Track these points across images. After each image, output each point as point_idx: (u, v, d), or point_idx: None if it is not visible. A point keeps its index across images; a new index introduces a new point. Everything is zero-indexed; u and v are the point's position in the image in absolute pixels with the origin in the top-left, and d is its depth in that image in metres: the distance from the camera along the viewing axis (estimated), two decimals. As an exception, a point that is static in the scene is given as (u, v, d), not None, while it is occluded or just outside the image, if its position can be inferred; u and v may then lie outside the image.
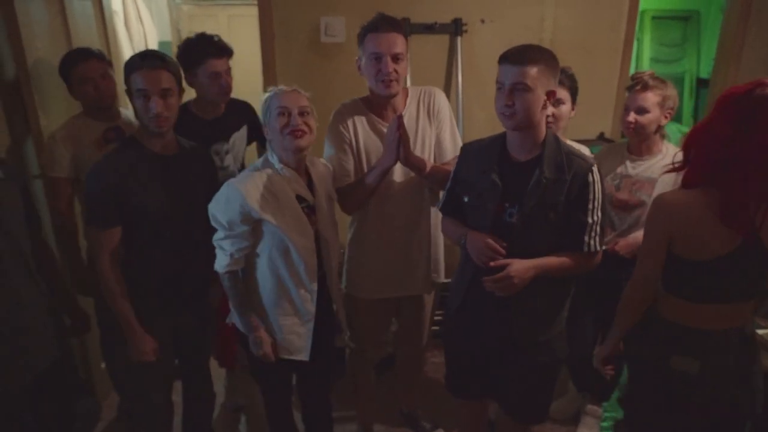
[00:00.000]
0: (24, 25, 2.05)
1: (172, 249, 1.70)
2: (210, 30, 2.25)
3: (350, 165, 1.88)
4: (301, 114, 1.60)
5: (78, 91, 2.04)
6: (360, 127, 1.87)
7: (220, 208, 1.61)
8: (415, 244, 1.97)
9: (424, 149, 1.91)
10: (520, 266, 1.47)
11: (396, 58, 1.77)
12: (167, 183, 1.66)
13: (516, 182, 1.51)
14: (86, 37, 2.47)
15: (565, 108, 1.96)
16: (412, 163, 1.79)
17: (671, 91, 2.01)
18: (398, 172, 1.89)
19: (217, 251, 1.64)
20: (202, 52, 2.07)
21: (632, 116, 2.02)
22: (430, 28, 2.84)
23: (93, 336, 2.39)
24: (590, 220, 1.50)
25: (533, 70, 1.43)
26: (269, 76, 2.87)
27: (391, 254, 1.96)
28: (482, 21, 2.95)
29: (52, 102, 2.23)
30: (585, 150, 2.01)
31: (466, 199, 1.62)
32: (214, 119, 2.18)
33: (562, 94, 1.93)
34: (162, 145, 1.67)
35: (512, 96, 1.45)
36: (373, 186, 1.84)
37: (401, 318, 2.20)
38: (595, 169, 1.51)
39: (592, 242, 1.52)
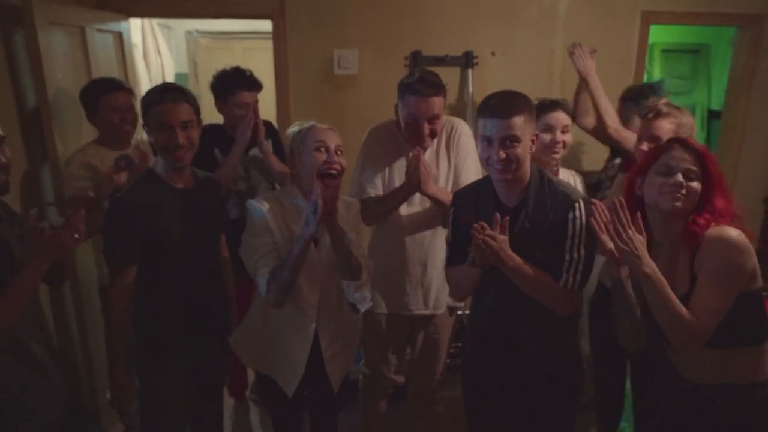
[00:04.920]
0: (46, 56, 2.11)
1: (191, 281, 1.69)
2: (225, 62, 2.32)
3: (378, 179, 1.95)
4: (336, 152, 1.61)
5: (103, 120, 2.10)
6: (391, 148, 1.95)
7: (248, 235, 1.62)
8: (422, 263, 1.99)
9: (439, 177, 1.95)
10: (506, 245, 1.44)
11: (432, 120, 1.82)
12: (187, 217, 1.66)
13: (508, 229, 1.48)
14: (106, 68, 2.53)
15: (570, 134, 2.03)
16: (431, 194, 1.85)
17: (687, 119, 1.91)
18: (416, 196, 1.94)
19: (257, 280, 1.59)
20: (235, 83, 2.23)
21: (645, 146, 1.92)
22: (441, 61, 2.89)
23: (100, 365, 2.39)
24: (568, 257, 1.48)
25: (520, 120, 1.43)
26: (283, 108, 2.92)
27: (401, 268, 1.99)
28: (493, 54, 2.99)
29: (69, 131, 2.28)
30: (570, 176, 2.10)
31: (470, 251, 1.56)
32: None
33: (569, 121, 2.00)
34: (180, 178, 1.67)
35: (503, 149, 1.43)
36: (393, 207, 1.91)
37: (415, 345, 2.17)
38: (578, 205, 1.48)
39: (570, 278, 1.49)
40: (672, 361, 1.51)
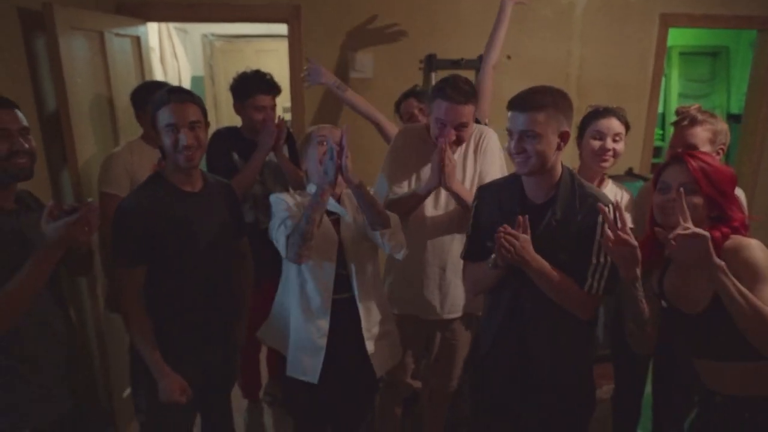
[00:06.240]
0: (66, 61, 2.14)
1: (198, 285, 1.70)
2: (238, 65, 2.34)
3: (404, 180, 1.98)
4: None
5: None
6: (420, 150, 1.97)
7: (273, 215, 1.72)
8: (441, 266, 2.00)
9: (465, 182, 1.96)
10: (529, 245, 1.45)
11: (460, 127, 1.84)
12: (193, 221, 1.67)
13: (533, 226, 1.49)
14: (124, 72, 2.56)
15: (623, 144, 1.95)
16: (454, 190, 1.86)
17: (721, 126, 1.86)
18: (441, 198, 1.96)
19: (278, 240, 1.68)
20: (254, 86, 2.26)
21: None
22: (456, 64, 2.88)
23: (115, 364, 2.41)
24: (594, 260, 1.47)
25: (541, 115, 1.43)
26: (297, 110, 2.93)
27: (419, 271, 2.00)
28: (508, 57, 2.97)
29: (88, 135, 2.31)
30: (618, 190, 2.00)
31: (489, 244, 1.57)
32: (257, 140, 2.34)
33: (622, 129, 1.93)
34: (189, 181, 1.68)
35: (522, 143, 1.45)
36: (416, 203, 1.93)
37: (432, 350, 2.17)
38: (608, 210, 1.45)
39: (594, 283, 1.48)
40: (699, 372, 1.48)
